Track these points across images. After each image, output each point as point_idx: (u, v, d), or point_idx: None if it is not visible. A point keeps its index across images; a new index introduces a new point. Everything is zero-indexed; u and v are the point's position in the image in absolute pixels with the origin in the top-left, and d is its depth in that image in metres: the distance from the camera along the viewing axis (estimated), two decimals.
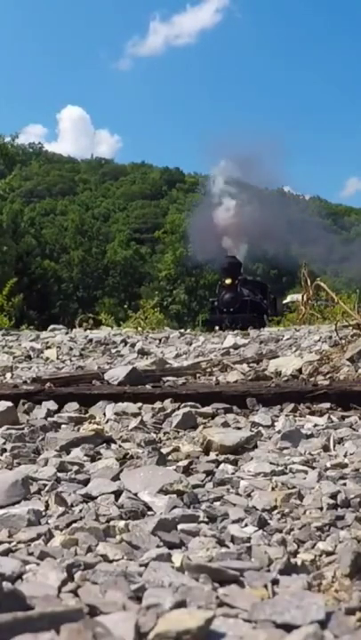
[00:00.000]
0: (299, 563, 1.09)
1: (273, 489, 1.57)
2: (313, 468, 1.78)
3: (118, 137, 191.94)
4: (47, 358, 4.71)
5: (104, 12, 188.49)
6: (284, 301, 25.27)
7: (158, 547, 1.16)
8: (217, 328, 18.85)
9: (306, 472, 1.73)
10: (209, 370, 3.71)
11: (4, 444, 2.03)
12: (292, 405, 2.66)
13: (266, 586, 0.97)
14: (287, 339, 5.43)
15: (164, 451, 1.94)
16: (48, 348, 5.21)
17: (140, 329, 8.32)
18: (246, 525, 1.31)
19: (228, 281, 21.80)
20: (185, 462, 1.82)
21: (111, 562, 1.09)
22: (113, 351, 5.13)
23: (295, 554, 1.16)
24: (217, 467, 1.82)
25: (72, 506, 1.43)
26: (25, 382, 3.09)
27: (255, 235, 30.20)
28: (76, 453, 1.93)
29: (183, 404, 2.62)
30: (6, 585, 0.89)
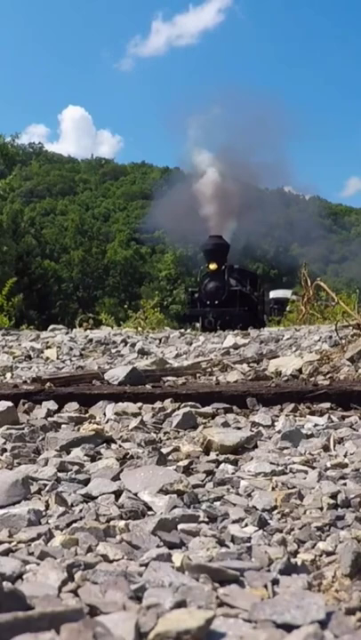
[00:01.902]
0: (299, 563, 1.09)
1: (273, 489, 1.57)
2: (313, 467, 1.78)
3: (120, 137, 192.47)
4: (47, 358, 4.71)
5: (106, 13, 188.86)
6: (269, 297, 23.15)
7: (158, 547, 1.16)
8: (198, 325, 15.72)
9: (306, 472, 1.73)
10: (209, 370, 3.71)
11: (5, 443, 2.02)
12: (292, 405, 2.66)
13: (266, 586, 0.97)
14: (287, 339, 5.43)
15: (164, 451, 1.93)
16: (48, 347, 5.20)
17: (140, 329, 8.31)
18: (246, 525, 1.30)
19: (212, 266, 18.17)
20: (185, 462, 1.82)
21: (111, 562, 1.09)
22: (113, 351, 5.13)
23: (295, 554, 1.16)
24: (217, 467, 1.82)
25: (72, 506, 1.43)
26: (25, 382, 3.09)
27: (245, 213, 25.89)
28: (77, 453, 1.93)
29: (183, 404, 2.62)
30: (6, 585, 0.89)
